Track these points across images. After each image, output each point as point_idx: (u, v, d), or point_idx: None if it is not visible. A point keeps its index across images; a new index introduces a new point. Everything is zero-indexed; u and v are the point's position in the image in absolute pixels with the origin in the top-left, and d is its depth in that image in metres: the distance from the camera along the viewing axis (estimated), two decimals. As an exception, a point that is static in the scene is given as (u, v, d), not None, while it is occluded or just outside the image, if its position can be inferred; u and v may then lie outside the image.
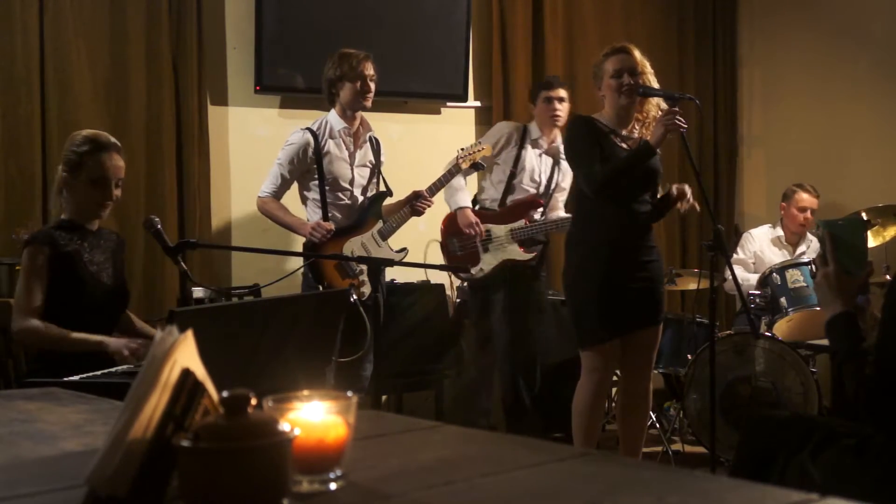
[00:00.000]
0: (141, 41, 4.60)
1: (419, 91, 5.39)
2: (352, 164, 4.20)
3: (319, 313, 2.09)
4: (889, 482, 1.91)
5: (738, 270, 5.33)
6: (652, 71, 3.74)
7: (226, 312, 2.05)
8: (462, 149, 4.43)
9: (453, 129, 5.55)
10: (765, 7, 6.52)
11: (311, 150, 4.13)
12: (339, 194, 4.18)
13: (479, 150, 4.43)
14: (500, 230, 4.61)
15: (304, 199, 4.24)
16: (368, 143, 4.28)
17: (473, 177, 4.84)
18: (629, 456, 3.83)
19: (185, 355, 1.11)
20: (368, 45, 5.12)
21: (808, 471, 2.02)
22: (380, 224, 4.25)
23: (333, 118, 4.20)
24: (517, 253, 4.62)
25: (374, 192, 4.29)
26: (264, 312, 1.95)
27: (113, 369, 2.83)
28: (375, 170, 4.30)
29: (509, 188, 4.67)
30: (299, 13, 4.96)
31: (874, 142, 5.92)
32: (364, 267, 4.09)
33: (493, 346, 4.70)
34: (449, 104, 5.56)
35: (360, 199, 4.23)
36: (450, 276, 5.15)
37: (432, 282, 5.04)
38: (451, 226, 4.68)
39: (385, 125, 5.24)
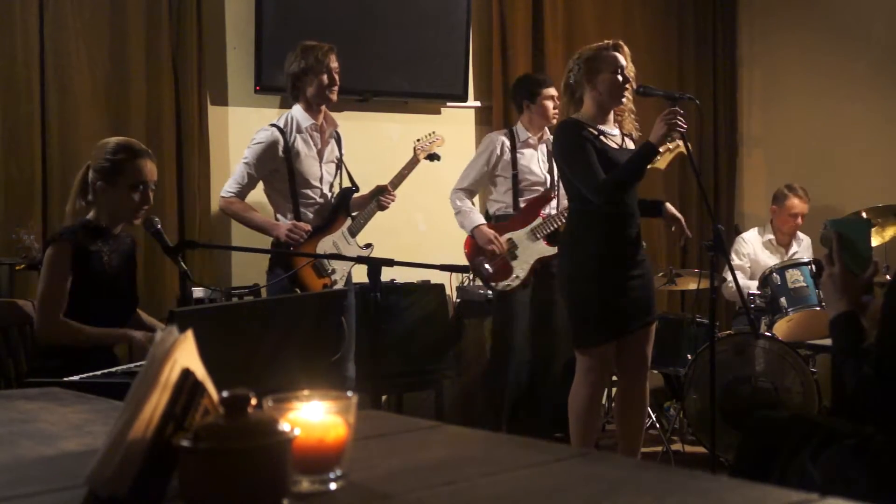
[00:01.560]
0: (141, 41, 4.59)
1: (419, 91, 5.39)
2: (320, 161, 4.12)
3: (319, 313, 2.09)
4: (889, 482, 1.91)
5: (740, 277, 5.32)
6: (634, 70, 3.79)
7: (226, 312, 2.04)
8: (418, 140, 4.44)
9: (453, 129, 5.54)
10: (765, 7, 6.51)
11: (280, 149, 4.02)
12: (309, 192, 4.10)
13: (434, 141, 4.43)
14: (521, 234, 4.64)
15: (272, 199, 4.14)
16: (333, 139, 4.21)
17: (478, 196, 4.85)
18: (628, 455, 3.83)
19: (185, 355, 1.11)
20: (368, 45, 5.13)
21: (808, 471, 2.02)
22: (349, 221, 4.20)
23: (299, 114, 4.09)
24: (544, 249, 4.65)
25: (339, 187, 4.22)
26: (264, 312, 1.95)
27: (113, 369, 2.83)
28: (340, 164, 4.23)
29: (518, 193, 4.68)
30: (299, 13, 4.96)
31: (874, 142, 5.92)
32: (335, 266, 4.08)
33: (508, 344, 4.72)
34: (449, 104, 5.56)
35: (329, 195, 4.17)
36: (450, 277, 5.15)
37: (432, 282, 5.04)
38: (474, 248, 4.67)
39: (385, 125, 5.24)
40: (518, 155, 4.69)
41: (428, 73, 5.37)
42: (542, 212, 4.69)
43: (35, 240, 3.92)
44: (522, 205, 4.69)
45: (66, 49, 4.40)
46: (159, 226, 2.99)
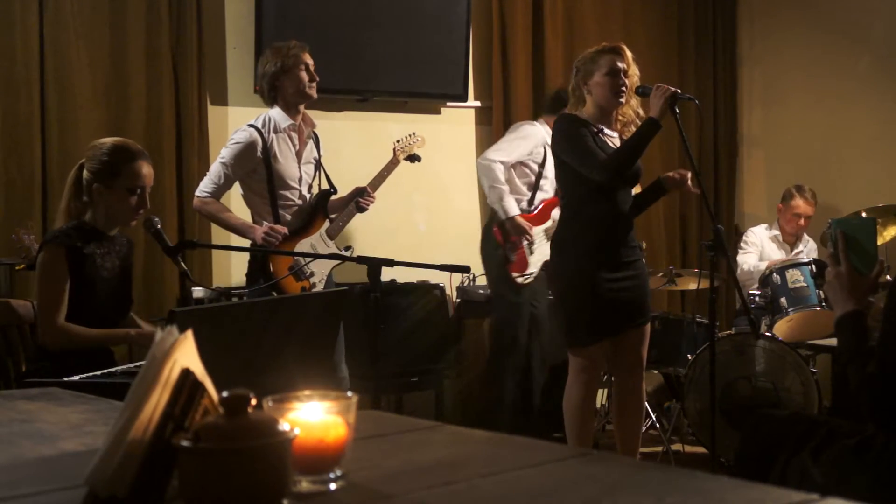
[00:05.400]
0: (141, 41, 4.60)
1: (419, 91, 5.39)
2: (299, 162, 4.05)
3: (319, 313, 2.09)
4: (889, 482, 1.91)
5: (751, 258, 5.40)
6: (638, 73, 3.76)
7: (226, 312, 2.04)
8: (398, 141, 4.40)
9: (453, 129, 5.54)
10: (765, 7, 6.51)
11: (259, 149, 3.92)
12: (287, 193, 4.02)
13: (415, 142, 4.41)
14: (538, 232, 4.69)
15: (249, 201, 4.06)
16: (311, 139, 4.15)
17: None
18: (627, 455, 3.83)
19: (185, 355, 1.11)
20: (368, 45, 5.13)
21: (808, 471, 2.02)
22: (327, 224, 4.14)
23: (278, 115, 4.00)
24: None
25: (317, 189, 4.17)
26: (264, 312, 1.95)
27: (113, 369, 2.83)
28: (318, 165, 4.18)
29: (536, 187, 4.75)
30: (299, 13, 4.96)
31: (874, 141, 5.92)
32: (314, 269, 4.06)
33: (508, 344, 4.73)
34: (449, 104, 5.55)
35: (307, 197, 4.11)
36: (450, 277, 5.14)
37: (432, 282, 5.04)
38: (504, 235, 4.73)
39: (385, 125, 5.24)
40: (547, 153, 4.73)
41: (428, 73, 5.37)
42: (553, 214, 4.72)
43: (35, 240, 3.91)
44: (537, 202, 4.75)
45: (66, 49, 4.40)
46: (159, 226, 2.98)
